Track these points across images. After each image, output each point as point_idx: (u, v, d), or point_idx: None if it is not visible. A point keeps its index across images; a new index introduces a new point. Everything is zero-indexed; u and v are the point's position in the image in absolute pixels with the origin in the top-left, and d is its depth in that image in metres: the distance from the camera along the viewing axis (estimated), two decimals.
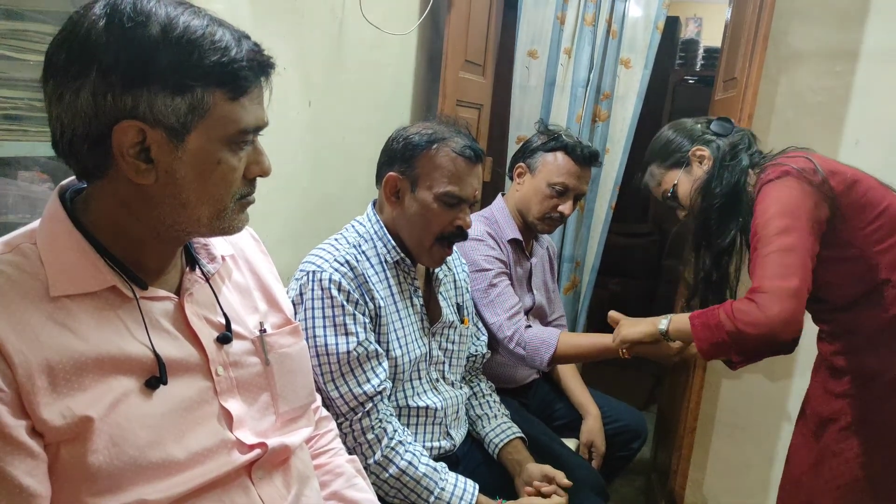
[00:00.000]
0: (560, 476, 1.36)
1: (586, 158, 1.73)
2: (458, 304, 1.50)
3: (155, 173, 0.70)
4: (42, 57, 0.70)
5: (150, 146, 0.69)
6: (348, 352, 1.18)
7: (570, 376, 1.91)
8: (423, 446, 1.32)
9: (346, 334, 1.18)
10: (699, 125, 1.48)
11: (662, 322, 1.34)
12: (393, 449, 1.20)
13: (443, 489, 1.21)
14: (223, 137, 0.72)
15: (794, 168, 1.26)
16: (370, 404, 1.19)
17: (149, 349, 0.74)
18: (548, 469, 1.38)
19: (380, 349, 1.23)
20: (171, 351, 0.77)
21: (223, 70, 0.70)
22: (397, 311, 1.31)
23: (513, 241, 1.77)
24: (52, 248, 0.71)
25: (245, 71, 0.71)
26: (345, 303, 1.19)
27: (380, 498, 1.08)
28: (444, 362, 1.42)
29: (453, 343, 1.45)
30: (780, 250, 1.17)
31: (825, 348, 1.39)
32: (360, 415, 1.18)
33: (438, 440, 1.37)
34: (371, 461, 1.19)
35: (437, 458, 1.35)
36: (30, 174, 0.97)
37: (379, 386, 1.20)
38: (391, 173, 1.30)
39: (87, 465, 0.68)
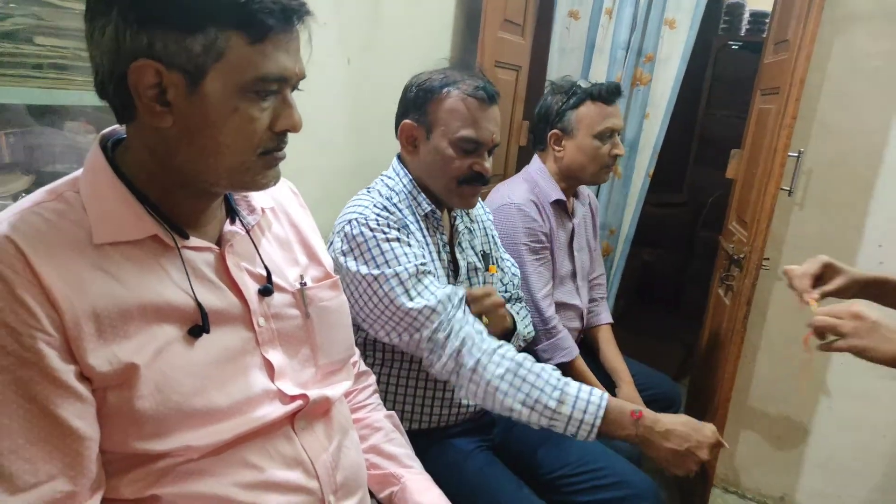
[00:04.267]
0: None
1: (612, 94, 1.71)
2: (483, 251, 1.48)
3: (171, 116, 0.69)
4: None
5: (166, 88, 0.68)
6: (416, 266, 1.18)
7: (606, 341, 1.90)
8: (461, 402, 1.32)
9: (406, 255, 1.18)
10: None
11: None
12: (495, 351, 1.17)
13: (567, 383, 1.13)
14: (240, 84, 0.69)
15: None
16: (452, 305, 1.18)
17: (191, 298, 0.75)
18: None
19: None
20: (213, 300, 0.77)
21: (241, 10, 0.67)
22: (433, 261, 1.30)
23: (556, 203, 1.74)
24: (94, 196, 0.72)
25: (265, 14, 0.67)
26: (398, 235, 1.20)
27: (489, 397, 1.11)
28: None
29: None
30: None
31: None
32: (449, 311, 1.17)
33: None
34: (480, 357, 1.15)
35: (472, 417, 1.36)
36: (76, 124, 0.97)
37: (452, 291, 1.20)
38: (406, 121, 1.29)
39: (133, 410, 0.69)
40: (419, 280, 1.18)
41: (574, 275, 1.84)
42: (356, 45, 1.58)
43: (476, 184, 1.30)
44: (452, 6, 2.02)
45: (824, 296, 1.12)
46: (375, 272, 1.17)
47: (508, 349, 1.17)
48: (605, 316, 1.98)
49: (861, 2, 1.85)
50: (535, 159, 1.82)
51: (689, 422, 1.14)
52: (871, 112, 1.89)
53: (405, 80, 1.83)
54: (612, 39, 2.28)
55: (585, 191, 1.95)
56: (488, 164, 1.29)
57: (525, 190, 1.70)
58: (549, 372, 1.14)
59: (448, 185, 1.29)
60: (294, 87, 0.76)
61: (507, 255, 1.59)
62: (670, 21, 2.22)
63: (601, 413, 1.10)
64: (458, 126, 1.25)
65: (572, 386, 1.12)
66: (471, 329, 1.18)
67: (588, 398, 1.11)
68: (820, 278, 1.15)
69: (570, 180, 1.77)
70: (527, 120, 2.42)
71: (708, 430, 1.13)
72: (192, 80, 0.68)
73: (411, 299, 1.16)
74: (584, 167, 1.73)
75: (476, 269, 1.44)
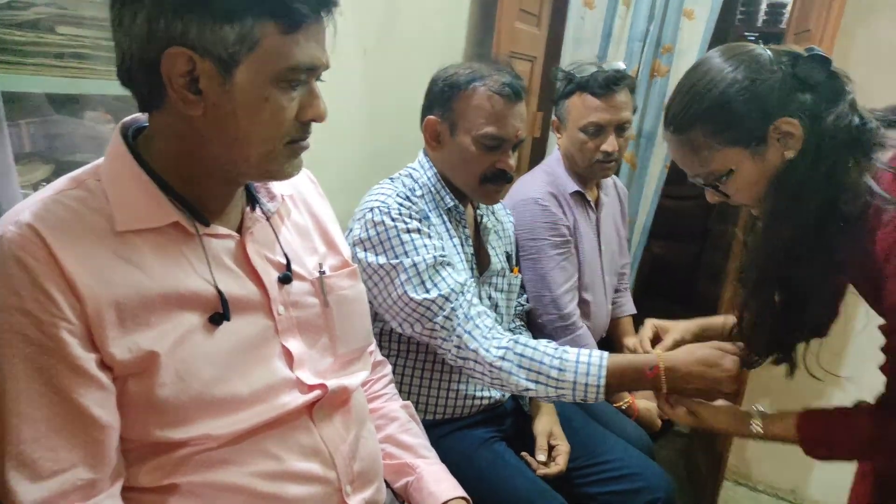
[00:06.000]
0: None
1: (606, 85, 1.57)
2: (507, 252, 1.49)
3: (203, 105, 0.69)
4: None
5: (198, 76, 0.68)
6: (435, 257, 1.18)
7: (628, 334, 1.90)
8: (475, 395, 1.33)
9: (426, 246, 1.18)
10: (782, 67, 0.91)
11: (755, 423, 1.03)
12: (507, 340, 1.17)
13: (565, 350, 1.12)
14: (273, 73, 0.69)
15: None
16: (464, 294, 1.18)
17: (212, 286, 0.75)
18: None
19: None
20: (233, 288, 0.77)
21: (276, 1, 0.67)
22: (457, 254, 1.30)
23: (575, 195, 1.69)
24: (116, 184, 0.72)
25: (300, 4, 0.68)
26: (419, 226, 1.20)
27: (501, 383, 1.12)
28: (494, 308, 1.41)
29: (501, 292, 1.44)
30: None
31: None
32: (461, 300, 1.17)
33: (489, 389, 1.36)
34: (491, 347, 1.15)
35: (486, 408, 1.36)
36: (95, 114, 0.97)
37: (466, 280, 1.21)
38: (430, 117, 1.29)
39: (154, 398, 0.69)
40: (437, 271, 1.18)
41: (602, 270, 1.79)
42: (372, 36, 1.57)
43: (499, 181, 1.29)
44: None
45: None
46: (394, 261, 1.17)
47: (503, 333, 1.17)
48: (628, 307, 1.95)
49: None
50: (556, 150, 1.78)
51: (707, 358, 1.07)
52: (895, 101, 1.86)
53: (421, 70, 1.82)
54: (629, 30, 2.25)
55: (610, 180, 1.88)
56: (512, 160, 1.29)
57: (544, 182, 1.67)
58: (545, 344, 1.14)
59: (471, 182, 1.29)
60: (318, 78, 0.76)
61: None
62: (689, 12, 2.20)
63: (603, 373, 1.07)
64: (482, 123, 1.24)
65: (571, 353, 1.11)
66: (475, 316, 1.17)
67: (588, 360, 1.09)
68: (657, 338, 1.24)
69: (573, 167, 1.71)
70: (541, 111, 2.41)
71: (728, 361, 1.06)
72: (225, 69, 0.68)
73: (427, 290, 1.16)
74: (574, 159, 1.67)
75: (502, 269, 1.44)
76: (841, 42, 1.80)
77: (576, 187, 1.69)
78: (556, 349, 1.12)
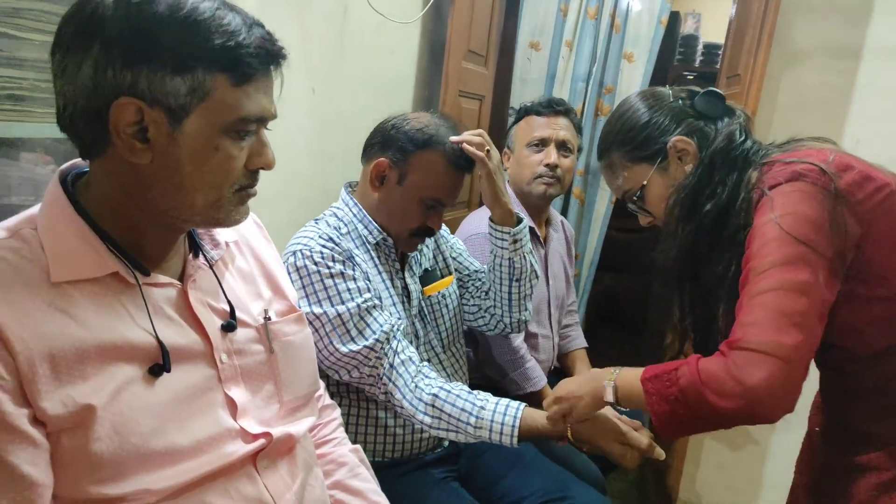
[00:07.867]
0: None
1: (547, 107, 1.74)
2: (425, 269, 1.45)
3: (151, 154, 0.69)
4: (46, 37, 0.69)
5: (147, 126, 0.68)
6: (358, 305, 1.18)
7: (581, 366, 1.92)
8: (413, 435, 1.33)
9: (349, 290, 1.19)
10: (680, 101, 1.09)
11: (609, 378, 0.99)
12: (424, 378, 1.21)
13: (482, 408, 1.15)
14: (223, 124, 0.70)
15: (814, 168, 0.90)
16: (392, 343, 1.20)
17: (152, 336, 0.73)
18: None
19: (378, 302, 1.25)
20: (174, 338, 0.76)
21: (228, 54, 0.68)
22: (386, 289, 1.30)
23: None
24: (52, 233, 0.70)
25: (251, 58, 0.70)
26: (343, 269, 1.20)
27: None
28: (432, 336, 1.41)
29: (435, 311, 1.43)
30: (781, 289, 0.84)
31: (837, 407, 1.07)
32: (386, 349, 1.19)
33: None
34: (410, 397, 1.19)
35: (429, 448, 1.36)
36: (33, 156, 0.95)
37: (396, 323, 1.23)
38: (382, 158, 1.28)
39: (89, 453, 0.67)
40: (361, 318, 1.19)
41: (549, 303, 1.83)
42: (321, 75, 1.59)
43: (425, 237, 1.34)
44: (417, 36, 2.05)
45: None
46: (317, 310, 1.18)
47: (428, 382, 1.20)
48: (579, 341, 1.99)
49: (806, 39, 1.94)
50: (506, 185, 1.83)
51: (616, 432, 1.10)
52: None
53: (369, 109, 1.83)
54: (572, 71, 2.34)
55: (558, 217, 1.96)
56: (440, 221, 1.33)
57: None
58: (465, 398, 1.16)
59: (400, 232, 1.31)
60: (265, 126, 0.77)
61: (471, 260, 1.58)
62: (628, 55, 2.30)
63: (516, 433, 1.12)
64: (432, 188, 1.27)
65: (487, 409, 1.14)
66: (399, 365, 1.20)
67: (503, 420, 1.13)
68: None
69: (521, 198, 1.78)
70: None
71: (633, 439, 1.09)
72: (174, 119, 0.68)
73: (352, 340, 1.18)
74: (521, 177, 1.76)
75: (420, 292, 1.43)
76: (768, 85, 1.91)
77: (527, 223, 1.72)
78: (473, 405, 1.15)
